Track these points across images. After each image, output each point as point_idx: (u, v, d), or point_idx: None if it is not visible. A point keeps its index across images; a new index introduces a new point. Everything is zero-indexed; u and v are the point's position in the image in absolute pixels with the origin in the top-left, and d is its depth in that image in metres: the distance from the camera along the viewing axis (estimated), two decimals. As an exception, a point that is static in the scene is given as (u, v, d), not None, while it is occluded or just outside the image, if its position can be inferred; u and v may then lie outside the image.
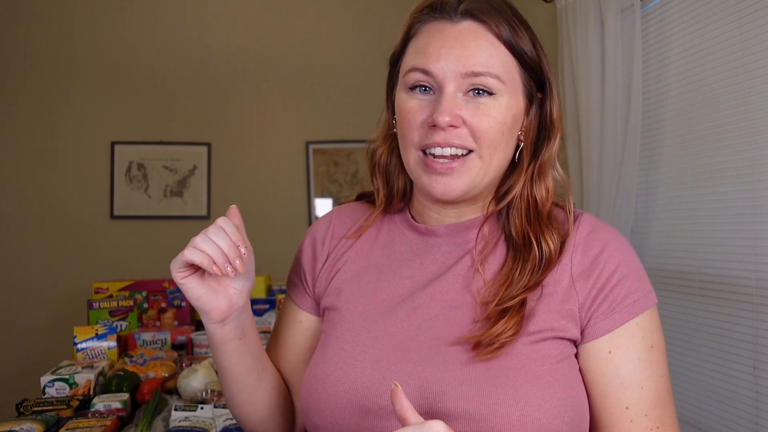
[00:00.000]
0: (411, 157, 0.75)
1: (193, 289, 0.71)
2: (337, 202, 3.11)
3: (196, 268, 0.71)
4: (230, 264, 0.69)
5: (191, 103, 3.04)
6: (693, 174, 2.02)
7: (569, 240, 0.75)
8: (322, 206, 3.13)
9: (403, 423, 0.57)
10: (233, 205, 0.75)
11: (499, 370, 0.67)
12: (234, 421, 1.21)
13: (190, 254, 0.68)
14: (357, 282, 0.81)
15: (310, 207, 3.13)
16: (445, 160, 0.72)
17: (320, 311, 0.85)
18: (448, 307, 0.74)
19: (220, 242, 0.69)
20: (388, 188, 0.85)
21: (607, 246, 0.74)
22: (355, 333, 0.75)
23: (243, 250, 0.70)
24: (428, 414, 0.66)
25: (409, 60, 0.75)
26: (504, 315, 0.69)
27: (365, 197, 0.92)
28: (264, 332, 1.91)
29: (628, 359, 0.70)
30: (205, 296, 0.72)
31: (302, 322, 0.86)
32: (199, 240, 0.69)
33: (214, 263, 0.68)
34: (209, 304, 0.72)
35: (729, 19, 1.82)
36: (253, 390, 0.81)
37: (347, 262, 0.83)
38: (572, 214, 0.77)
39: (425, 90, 0.74)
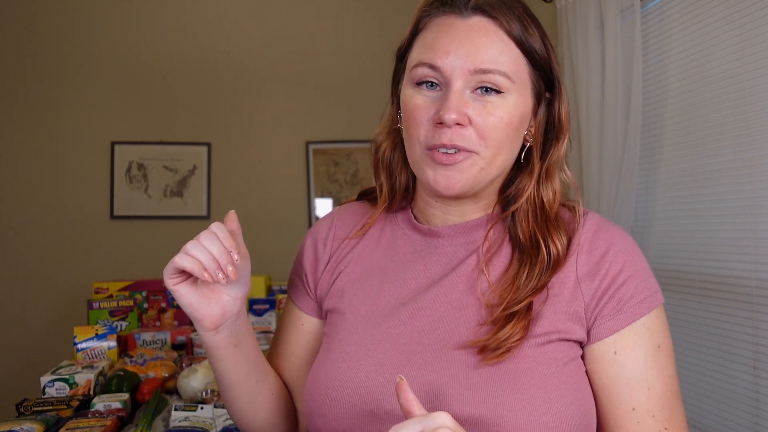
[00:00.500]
0: (416, 153, 0.74)
1: (185, 295, 0.69)
2: (337, 202, 3.11)
3: (188, 275, 0.69)
4: (222, 271, 0.67)
5: (191, 103, 3.04)
6: (693, 174, 2.01)
7: (574, 240, 0.73)
8: (322, 206, 3.13)
9: (408, 416, 0.56)
10: (232, 210, 0.74)
11: (505, 374, 0.66)
12: (234, 421, 1.21)
13: (180, 260, 0.67)
14: (360, 284, 0.79)
15: (310, 207, 3.12)
16: (451, 151, 0.70)
17: (322, 314, 0.83)
18: (452, 308, 0.73)
19: (211, 248, 0.67)
20: (391, 184, 0.83)
21: (613, 245, 0.72)
22: (359, 336, 0.74)
23: (236, 256, 0.68)
24: None
25: (417, 54, 0.73)
26: (511, 319, 0.68)
27: (367, 195, 0.91)
28: (264, 332, 1.91)
29: (634, 359, 0.69)
30: (197, 303, 0.70)
31: (304, 324, 0.85)
32: (190, 246, 0.67)
33: (205, 270, 0.66)
34: (201, 311, 0.71)
35: (729, 19, 1.82)
36: (252, 397, 0.80)
37: (350, 264, 0.82)
38: (579, 214, 0.75)
39: (432, 86, 0.72)
